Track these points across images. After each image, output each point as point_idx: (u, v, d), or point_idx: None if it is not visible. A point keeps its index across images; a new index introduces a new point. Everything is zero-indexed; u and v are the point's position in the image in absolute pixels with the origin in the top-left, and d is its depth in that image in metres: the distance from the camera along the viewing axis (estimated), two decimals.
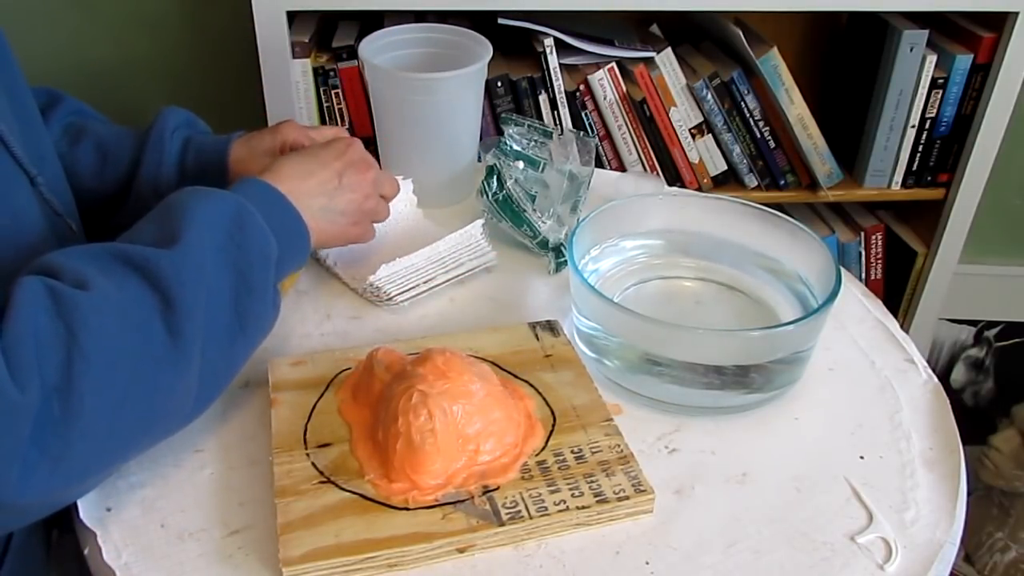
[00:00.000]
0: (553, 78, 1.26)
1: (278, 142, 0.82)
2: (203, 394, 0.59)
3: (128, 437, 0.55)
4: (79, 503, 0.59)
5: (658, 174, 1.33)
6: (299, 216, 0.67)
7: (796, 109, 1.31)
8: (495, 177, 0.86)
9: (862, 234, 1.47)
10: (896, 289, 1.50)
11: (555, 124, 1.28)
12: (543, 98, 1.28)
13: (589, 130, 1.30)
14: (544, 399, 0.66)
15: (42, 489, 0.50)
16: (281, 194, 0.67)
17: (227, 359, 0.61)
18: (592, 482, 0.59)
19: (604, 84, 1.27)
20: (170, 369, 0.55)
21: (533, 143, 0.90)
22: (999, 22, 1.24)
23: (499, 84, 1.25)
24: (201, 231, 0.59)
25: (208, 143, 0.82)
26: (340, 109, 1.27)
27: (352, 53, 1.24)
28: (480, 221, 0.84)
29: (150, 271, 0.56)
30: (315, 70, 1.24)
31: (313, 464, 0.60)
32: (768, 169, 1.36)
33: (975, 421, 1.69)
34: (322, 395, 0.66)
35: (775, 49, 1.28)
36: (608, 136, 1.31)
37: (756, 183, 1.37)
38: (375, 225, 0.80)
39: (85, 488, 0.57)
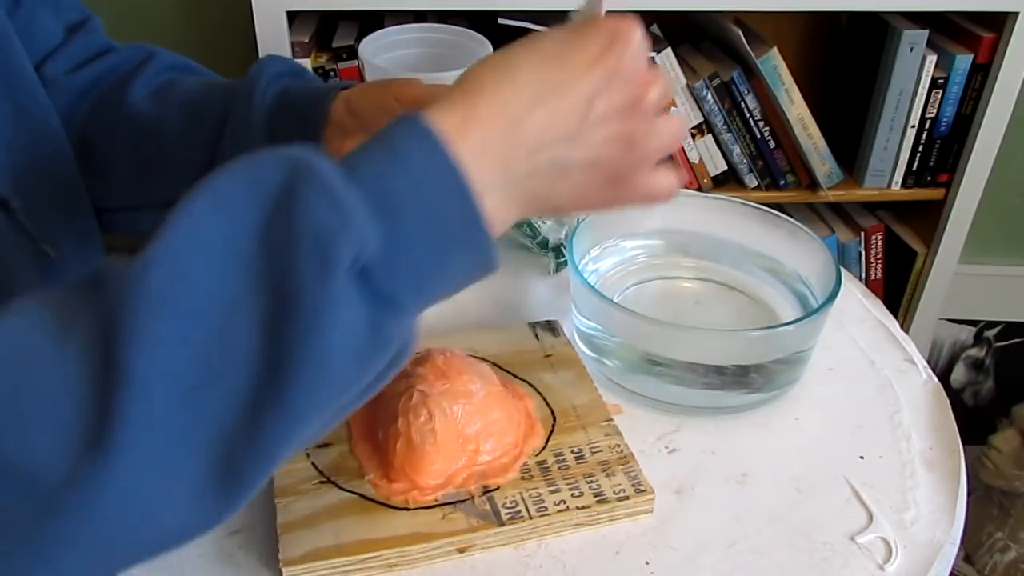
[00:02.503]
0: None
1: (388, 99, 0.61)
2: (219, 501, 0.38)
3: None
4: None
5: None
6: (464, 193, 0.40)
7: (796, 109, 1.31)
8: None
9: (862, 234, 1.47)
10: (896, 289, 1.50)
11: None
12: None
13: None
14: (544, 399, 0.66)
15: None
16: (442, 155, 0.39)
17: (246, 444, 0.37)
18: (592, 482, 0.59)
19: None
20: (88, 484, 0.34)
21: None
22: (999, 22, 1.24)
23: None
24: (203, 215, 0.36)
25: (302, 96, 0.64)
26: None
27: (352, 53, 1.24)
28: None
29: (101, 292, 0.36)
30: (315, 70, 1.24)
31: (313, 464, 0.60)
32: (768, 169, 1.36)
33: (975, 421, 1.69)
34: None
35: (775, 49, 1.28)
36: None
37: (756, 183, 1.37)
38: None
39: None
